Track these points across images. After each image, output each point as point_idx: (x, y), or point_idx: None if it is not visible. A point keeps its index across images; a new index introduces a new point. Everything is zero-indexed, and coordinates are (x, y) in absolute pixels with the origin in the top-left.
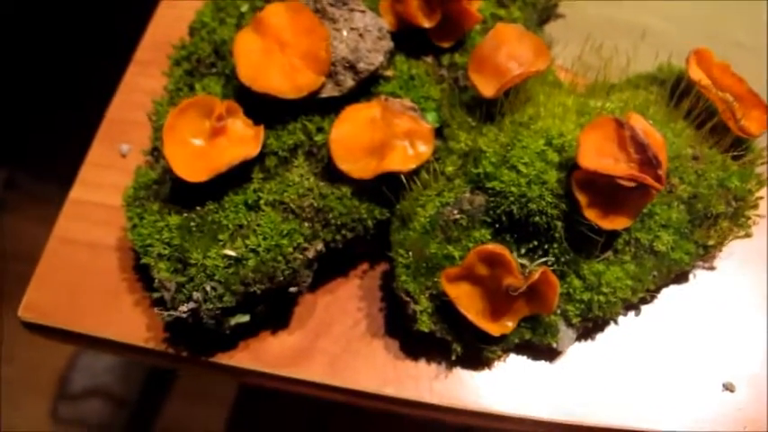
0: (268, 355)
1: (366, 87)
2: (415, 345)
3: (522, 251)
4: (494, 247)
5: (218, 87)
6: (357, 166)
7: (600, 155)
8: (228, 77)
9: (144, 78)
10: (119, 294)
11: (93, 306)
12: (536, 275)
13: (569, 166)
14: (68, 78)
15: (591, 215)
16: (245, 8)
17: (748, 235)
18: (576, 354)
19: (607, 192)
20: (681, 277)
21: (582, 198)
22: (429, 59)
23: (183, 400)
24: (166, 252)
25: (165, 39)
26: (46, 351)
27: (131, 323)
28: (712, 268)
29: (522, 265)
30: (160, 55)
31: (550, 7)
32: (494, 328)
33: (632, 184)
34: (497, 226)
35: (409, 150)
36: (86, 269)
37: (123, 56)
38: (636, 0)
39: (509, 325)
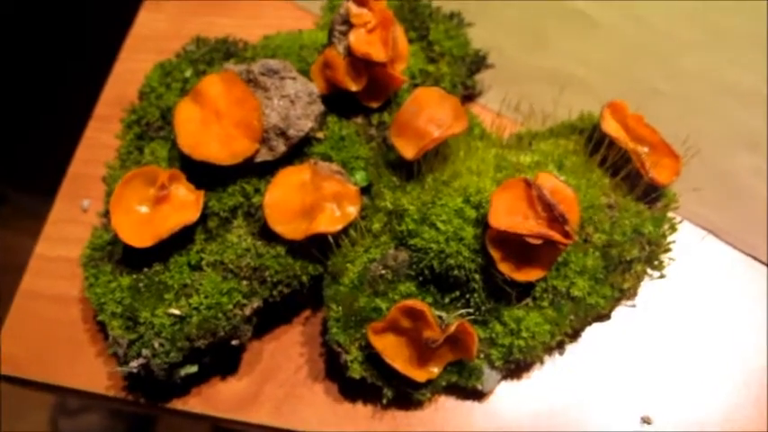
0: (219, 400)
1: (299, 148)
2: (352, 388)
3: (446, 300)
4: (413, 302)
5: (165, 151)
6: (289, 227)
7: (510, 214)
8: (174, 142)
9: (103, 134)
10: (83, 345)
11: (60, 358)
12: (452, 328)
13: (485, 223)
14: (52, 90)
15: (505, 269)
16: (188, 73)
17: (663, 276)
18: (503, 392)
19: (519, 247)
20: (603, 315)
21: (495, 254)
22: (359, 120)
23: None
24: (119, 310)
25: (122, 94)
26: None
27: (95, 373)
28: (633, 306)
29: (441, 318)
30: (117, 110)
31: (480, 59)
32: (420, 375)
33: (540, 241)
34: (421, 279)
35: (336, 212)
36: (52, 322)
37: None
38: (563, 50)
39: (434, 371)
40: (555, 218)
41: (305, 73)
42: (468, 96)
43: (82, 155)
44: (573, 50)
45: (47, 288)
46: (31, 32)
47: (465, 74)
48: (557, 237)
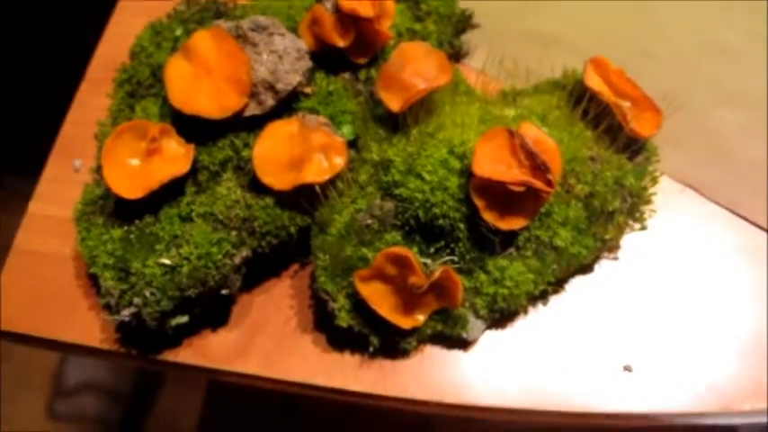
0: (210, 352)
1: (288, 104)
2: (340, 338)
3: (432, 250)
4: (399, 249)
5: (156, 108)
6: (278, 178)
7: (494, 163)
8: (165, 99)
9: (95, 96)
10: (76, 300)
11: (54, 312)
12: (437, 274)
13: (469, 173)
14: (43, 71)
15: (489, 217)
16: (179, 32)
17: (644, 228)
18: (488, 342)
19: (502, 196)
20: (586, 268)
21: (479, 202)
22: (347, 75)
23: (176, 392)
24: (111, 262)
25: (114, 57)
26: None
27: (88, 327)
28: (616, 258)
29: (426, 265)
30: (109, 73)
31: (466, 18)
32: (405, 322)
33: (523, 189)
34: (407, 229)
35: (324, 163)
36: (46, 278)
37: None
38: (550, 10)
39: (420, 318)
40: (537, 166)
41: (294, 31)
42: (455, 56)
43: (73, 117)
44: (558, 11)
45: (40, 245)
46: (21, 16)
47: (451, 33)
48: (539, 185)
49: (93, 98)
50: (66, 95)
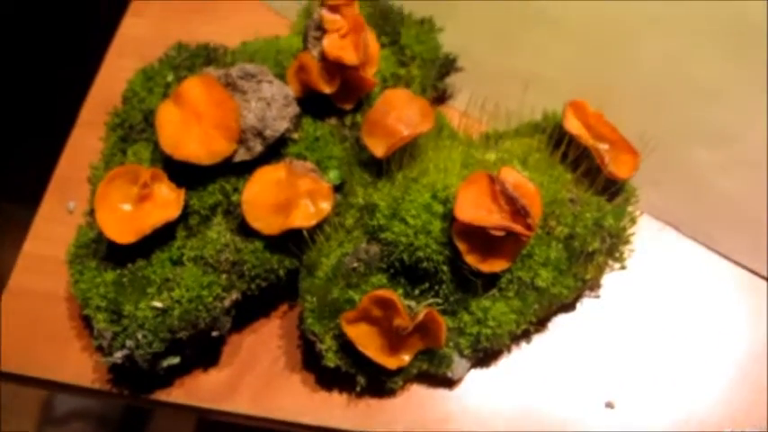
0: (200, 391)
1: (276, 149)
2: (328, 377)
3: (416, 292)
4: (384, 292)
5: (147, 152)
6: (266, 223)
7: (475, 208)
8: (156, 143)
9: (88, 138)
10: (69, 341)
11: (46, 352)
12: (421, 316)
13: (452, 217)
14: (36, 98)
15: (471, 260)
16: (170, 78)
17: (623, 267)
18: (473, 380)
19: (484, 239)
20: (568, 306)
21: (462, 246)
22: (333, 121)
23: (166, 418)
24: (103, 304)
25: (106, 99)
26: None
27: (80, 366)
28: (597, 297)
29: (411, 307)
30: (102, 116)
31: (450, 62)
32: (391, 362)
33: (503, 233)
34: (392, 271)
35: (311, 208)
36: (40, 318)
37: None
38: (529, 52)
39: (405, 359)
40: (517, 210)
41: (281, 77)
42: (439, 99)
43: (67, 158)
44: (538, 51)
45: (34, 285)
46: (16, 40)
47: (435, 76)
48: (519, 229)
49: (86, 140)
50: (55, 119)
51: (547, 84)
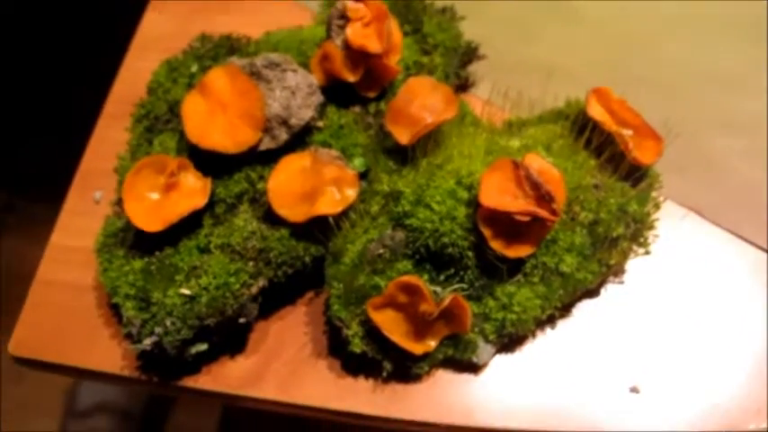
0: (227, 378)
1: (301, 137)
2: (354, 364)
3: (441, 278)
4: (409, 278)
5: (173, 142)
6: (292, 210)
7: (500, 193)
8: (182, 133)
9: (112, 131)
10: (97, 329)
11: (75, 340)
12: (446, 302)
13: (477, 203)
14: (56, 95)
15: (496, 246)
16: (194, 68)
17: (648, 253)
18: (498, 366)
19: (509, 225)
20: (592, 292)
21: (487, 231)
22: (357, 109)
23: (188, 411)
24: (132, 292)
25: (130, 92)
26: None
27: (109, 354)
28: (621, 283)
29: (436, 293)
30: (126, 108)
31: (472, 50)
32: (417, 348)
33: (528, 219)
34: (417, 257)
35: (336, 195)
36: (68, 307)
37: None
38: (551, 40)
39: (431, 344)
40: (542, 196)
41: (305, 66)
42: (461, 87)
43: (93, 150)
44: (560, 42)
45: (62, 275)
46: (35, 38)
47: (457, 65)
48: (544, 214)
49: (110, 132)
50: (74, 121)
51: (569, 74)
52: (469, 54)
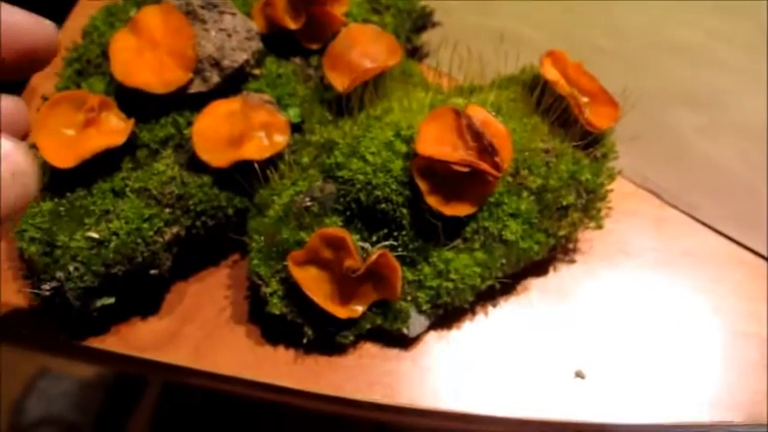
0: (136, 339)
1: (236, 85)
2: (274, 331)
3: (374, 239)
4: (335, 230)
5: (102, 86)
6: (216, 155)
7: (439, 143)
8: (113, 77)
9: (48, 81)
10: (5, 282)
11: None
12: (373, 257)
13: (414, 155)
14: None
15: (432, 201)
16: (133, 12)
17: (599, 226)
18: (430, 341)
19: (447, 179)
20: (539, 267)
21: (423, 185)
22: (298, 60)
23: (142, 426)
24: (38, 236)
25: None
26: (3, 378)
27: (13, 310)
28: (572, 261)
29: (364, 248)
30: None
31: (426, 15)
32: (341, 312)
33: (467, 170)
34: (348, 214)
35: (265, 141)
36: None
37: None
38: (509, 10)
39: (358, 309)
40: (484, 148)
41: (249, 16)
42: (413, 53)
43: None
44: (517, 10)
45: None
46: None
47: (410, 28)
48: (485, 167)
49: (45, 82)
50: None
51: (525, 44)
52: (424, 19)
